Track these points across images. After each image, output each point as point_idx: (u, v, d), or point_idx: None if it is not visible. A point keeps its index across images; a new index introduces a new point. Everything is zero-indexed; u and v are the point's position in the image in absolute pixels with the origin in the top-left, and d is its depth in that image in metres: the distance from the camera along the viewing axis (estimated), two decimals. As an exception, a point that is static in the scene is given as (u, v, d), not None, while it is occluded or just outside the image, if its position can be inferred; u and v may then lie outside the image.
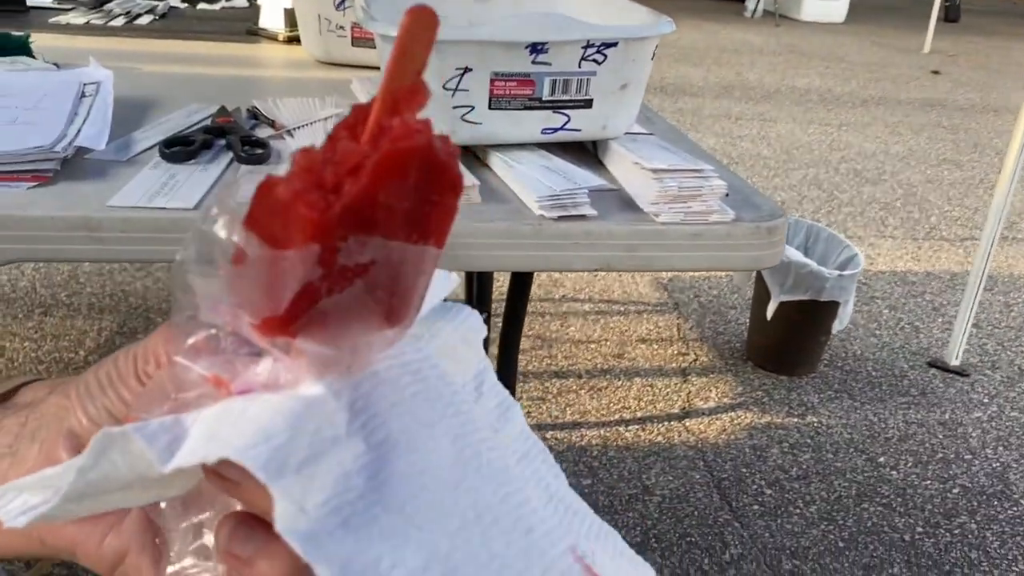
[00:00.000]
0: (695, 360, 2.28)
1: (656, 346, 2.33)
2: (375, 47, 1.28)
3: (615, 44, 0.83)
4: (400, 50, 0.28)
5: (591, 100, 0.86)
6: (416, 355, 0.32)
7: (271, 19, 1.49)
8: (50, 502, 0.29)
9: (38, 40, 1.17)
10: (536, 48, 0.81)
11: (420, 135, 0.28)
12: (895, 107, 5.34)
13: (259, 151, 0.85)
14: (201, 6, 1.78)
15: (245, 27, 1.53)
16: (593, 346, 2.29)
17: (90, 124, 0.84)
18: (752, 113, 4.97)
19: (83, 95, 0.94)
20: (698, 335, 2.41)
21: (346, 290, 0.28)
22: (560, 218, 0.76)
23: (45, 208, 0.70)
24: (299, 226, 0.26)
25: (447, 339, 0.35)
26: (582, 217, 0.77)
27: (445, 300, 0.36)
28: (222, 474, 0.27)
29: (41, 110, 0.87)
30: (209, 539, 0.34)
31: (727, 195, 0.81)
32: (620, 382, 2.14)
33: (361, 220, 0.27)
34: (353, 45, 1.29)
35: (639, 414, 2.03)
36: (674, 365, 2.25)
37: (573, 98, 0.85)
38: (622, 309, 2.51)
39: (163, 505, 0.33)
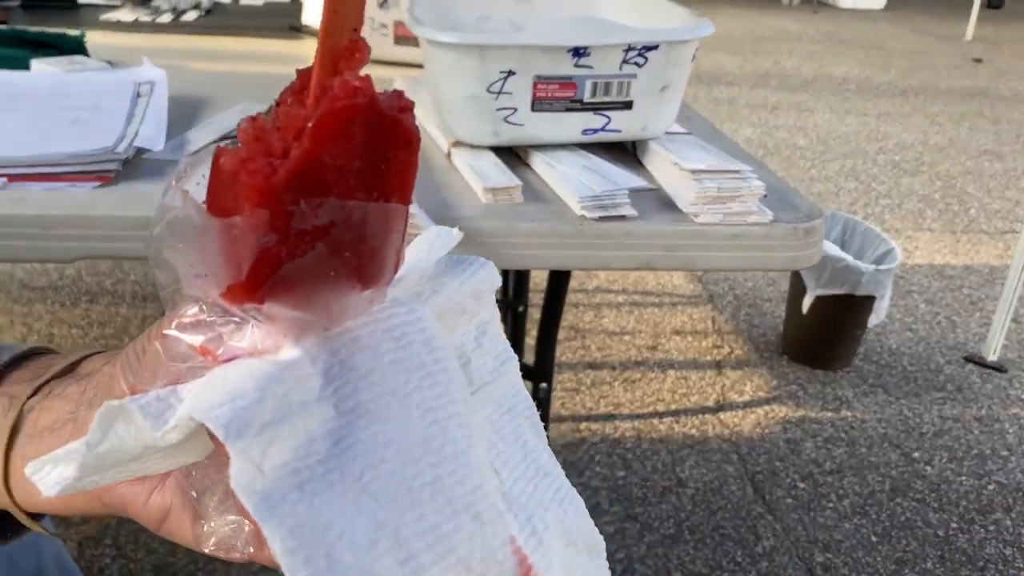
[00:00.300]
0: (730, 353, 2.29)
1: (690, 338, 2.34)
2: (418, 46, 1.30)
3: (656, 47, 0.85)
4: (331, 7, 0.28)
5: (631, 102, 0.88)
6: (406, 317, 0.32)
7: (315, 16, 1.52)
8: (71, 473, 0.31)
9: (90, 38, 1.21)
10: (578, 52, 0.83)
11: (361, 93, 0.28)
12: (935, 97, 5.26)
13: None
14: (244, 1, 1.81)
15: (288, 23, 1.56)
16: (627, 338, 2.31)
17: (147, 125, 0.87)
18: (789, 103, 4.93)
19: (138, 95, 0.97)
20: (733, 328, 2.42)
21: (308, 253, 0.28)
22: (601, 218, 0.78)
23: (109, 208, 0.73)
24: (245, 194, 0.27)
25: (451, 295, 0.35)
26: (622, 217, 0.79)
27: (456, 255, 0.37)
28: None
29: (100, 110, 0.91)
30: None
31: (765, 196, 0.82)
32: (654, 374, 2.15)
33: (310, 183, 0.27)
34: (396, 44, 1.31)
35: (673, 406, 2.04)
36: (708, 358, 2.26)
37: (614, 100, 0.87)
38: (656, 301, 2.52)
39: (194, 470, 0.36)
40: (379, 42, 1.31)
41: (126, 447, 0.30)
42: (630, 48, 0.84)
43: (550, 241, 0.78)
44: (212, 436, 0.29)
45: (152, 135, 0.85)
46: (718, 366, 2.23)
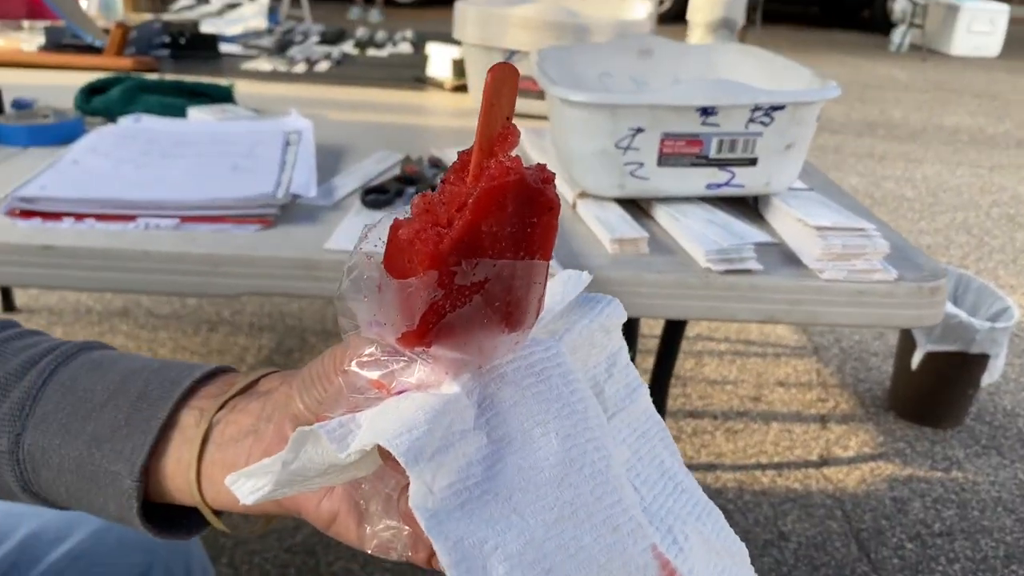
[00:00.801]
0: (835, 407, 2.25)
1: (794, 390, 2.31)
2: (538, 98, 1.36)
3: (782, 107, 0.87)
4: (488, 103, 0.33)
5: (756, 159, 0.90)
6: (544, 354, 0.37)
7: (439, 68, 1.60)
8: (268, 486, 0.36)
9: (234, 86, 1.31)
10: (706, 111, 0.86)
11: (512, 172, 0.33)
12: (1054, 149, 5.07)
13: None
14: (371, 52, 1.91)
15: (412, 75, 1.64)
16: (729, 387, 2.29)
17: (299, 172, 0.94)
18: (897, 152, 4.83)
19: (288, 143, 1.05)
20: (838, 381, 2.38)
21: (467, 304, 0.34)
22: (727, 271, 0.81)
23: (269, 248, 0.80)
24: (419, 258, 0.33)
25: (582, 331, 0.40)
26: (748, 271, 0.81)
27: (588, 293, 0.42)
28: (388, 454, 0.33)
29: (255, 157, 0.99)
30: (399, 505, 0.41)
31: (889, 254, 0.83)
32: (757, 425, 2.13)
33: (470, 247, 0.33)
34: (519, 96, 1.37)
35: (776, 459, 2.02)
36: (813, 411, 2.22)
37: (739, 156, 0.90)
38: (759, 351, 2.50)
39: (362, 482, 0.41)
40: (502, 94, 1.38)
41: (314, 465, 0.35)
42: (757, 108, 0.87)
43: (676, 292, 0.81)
44: (383, 455, 0.34)
45: (304, 182, 0.91)
46: (823, 420, 2.19)
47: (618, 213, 0.91)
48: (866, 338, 2.63)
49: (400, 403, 0.34)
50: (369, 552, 0.41)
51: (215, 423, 0.44)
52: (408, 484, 0.33)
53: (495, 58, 1.34)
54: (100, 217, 0.83)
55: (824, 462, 2.03)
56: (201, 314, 2.59)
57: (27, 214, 0.84)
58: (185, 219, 0.84)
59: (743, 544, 0.41)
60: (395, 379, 0.36)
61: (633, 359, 1.35)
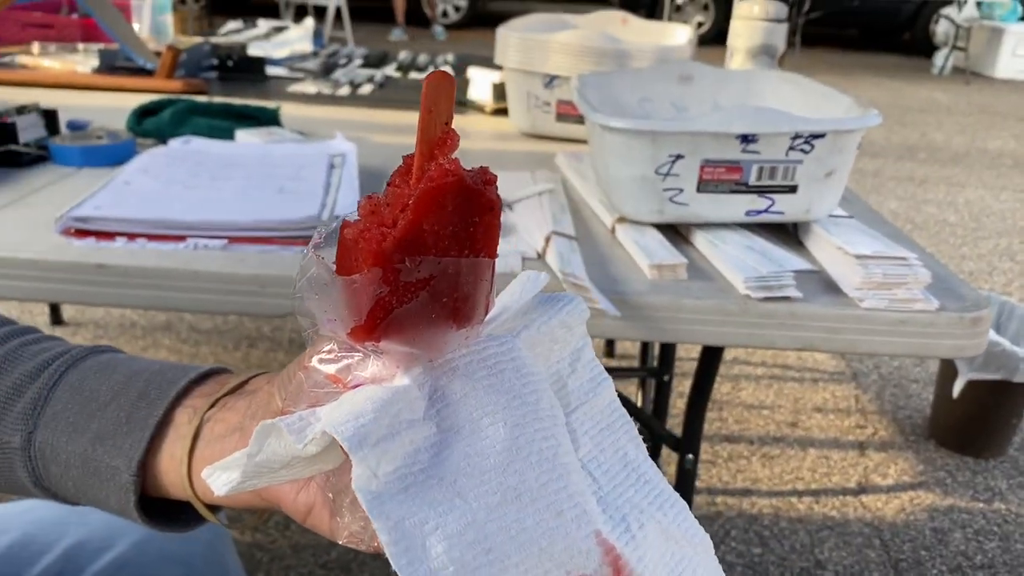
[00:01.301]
0: (873, 434, 2.22)
1: (832, 416, 2.28)
2: (577, 122, 1.37)
3: (823, 135, 0.88)
4: (427, 109, 0.35)
5: (796, 186, 0.91)
6: (498, 348, 0.38)
7: (479, 92, 1.62)
8: (237, 478, 0.38)
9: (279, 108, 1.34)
10: (747, 138, 0.87)
11: (451, 173, 0.35)
12: (1101, 174, 4.98)
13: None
14: (412, 75, 1.94)
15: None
16: (766, 412, 2.27)
17: (343, 194, 0.96)
18: (938, 176, 4.77)
19: (332, 166, 1.07)
20: (877, 408, 2.35)
21: (413, 300, 0.35)
22: (766, 298, 0.81)
23: (314, 271, 0.81)
24: (363, 256, 0.34)
25: (541, 327, 0.41)
26: (787, 298, 0.81)
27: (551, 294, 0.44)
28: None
29: (301, 180, 1.01)
30: None
31: (930, 283, 0.83)
32: (793, 451, 2.11)
33: (413, 245, 0.34)
34: (557, 120, 1.39)
35: (813, 486, 1.99)
36: (851, 437, 2.20)
37: (779, 184, 0.90)
38: (797, 376, 2.48)
39: (331, 475, 0.43)
40: (542, 119, 1.39)
41: (277, 457, 0.37)
42: (797, 136, 0.87)
43: (714, 318, 0.81)
44: (342, 448, 0.36)
45: (349, 204, 0.93)
46: (861, 447, 2.17)
47: (657, 238, 0.92)
48: (906, 365, 2.60)
49: (354, 396, 0.36)
50: (341, 543, 0.43)
51: (206, 421, 0.47)
52: None
53: (536, 82, 1.36)
54: (151, 237, 0.86)
55: (862, 490, 2.00)
56: (242, 330, 2.63)
57: (82, 233, 0.87)
58: (233, 240, 0.86)
59: (707, 535, 0.42)
60: (351, 373, 0.38)
61: (669, 382, 1.35)
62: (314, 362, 0.39)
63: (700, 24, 9.14)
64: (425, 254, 0.35)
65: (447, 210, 0.35)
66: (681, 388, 2.27)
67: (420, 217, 0.34)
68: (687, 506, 0.42)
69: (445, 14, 9.58)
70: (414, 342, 0.36)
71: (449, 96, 0.36)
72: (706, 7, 9.27)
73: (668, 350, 1.69)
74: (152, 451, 0.47)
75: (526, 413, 0.37)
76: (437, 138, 0.36)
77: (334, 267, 0.36)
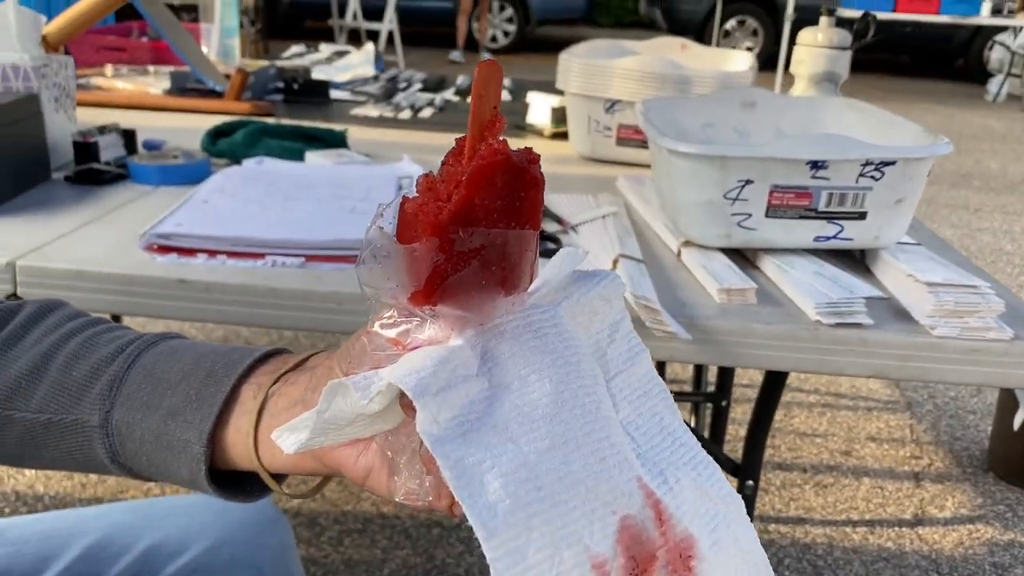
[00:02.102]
0: (929, 465, 2.18)
1: (887, 446, 2.25)
2: (638, 147, 1.38)
3: (893, 163, 0.88)
4: (478, 95, 0.39)
5: (865, 212, 0.91)
6: (541, 316, 0.42)
7: (538, 116, 1.64)
8: (306, 434, 0.42)
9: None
10: (816, 164, 0.87)
11: (500, 152, 0.38)
12: None
13: (551, 246, 0.96)
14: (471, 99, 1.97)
15: (513, 122, 1.69)
16: (819, 440, 2.25)
17: (413, 216, 0.98)
18: (993, 204, 4.69)
19: (400, 187, 1.10)
20: (933, 438, 2.31)
21: (466, 268, 0.39)
22: (837, 324, 0.81)
23: (389, 289, 0.83)
24: (422, 228, 0.38)
25: (580, 298, 0.44)
26: (858, 325, 0.81)
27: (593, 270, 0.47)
28: (409, 406, 0.39)
29: (371, 201, 1.03)
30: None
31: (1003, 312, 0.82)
32: (847, 480, 2.08)
33: (466, 218, 0.38)
34: (617, 144, 1.40)
35: (868, 516, 1.96)
36: (906, 468, 2.16)
37: (848, 210, 0.90)
38: (850, 404, 2.45)
39: (390, 434, 0.46)
40: (603, 143, 1.41)
41: (343, 414, 0.41)
42: (868, 163, 0.88)
43: (785, 344, 0.81)
44: (403, 406, 0.40)
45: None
46: (916, 478, 2.13)
47: (724, 263, 0.92)
48: (962, 395, 2.55)
49: (414, 355, 0.40)
50: (398, 500, 0.46)
51: (270, 395, 0.50)
52: None
53: (597, 107, 1.37)
54: (231, 254, 0.89)
55: (919, 522, 1.96)
56: (296, 346, 2.67)
57: (164, 249, 0.90)
58: (310, 258, 0.88)
59: (739, 497, 0.44)
60: (409, 336, 0.41)
61: (727, 407, 1.34)
62: (376, 327, 0.42)
63: (749, 49, 9.12)
64: (477, 226, 0.38)
65: (496, 186, 0.38)
66: (735, 414, 2.25)
67: (472, 192, 0.38)
68: (719, 469, 0.44)
69: (494, 39, 9.69)
70: (467, 306, 0.40)
71: (497, 83, 0.39)
72: (755, 33, 9.25)
73: (726, 375, 1.69)
74: (220, 424, 0.51)
75: (569, 371, 0.40)
76: (487, 121, 0.39)
77: (396, 238, 0.40)
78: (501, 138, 0.39)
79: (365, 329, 0.44)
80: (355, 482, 0.48)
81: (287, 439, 0.43)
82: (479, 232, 0.38)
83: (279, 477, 0.53)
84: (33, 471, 1.89)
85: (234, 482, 0.54)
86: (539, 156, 0.40)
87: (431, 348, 0.40)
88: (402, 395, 0.40)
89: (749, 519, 0.44)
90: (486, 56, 8.77)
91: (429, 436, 0.37)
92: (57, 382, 0.54)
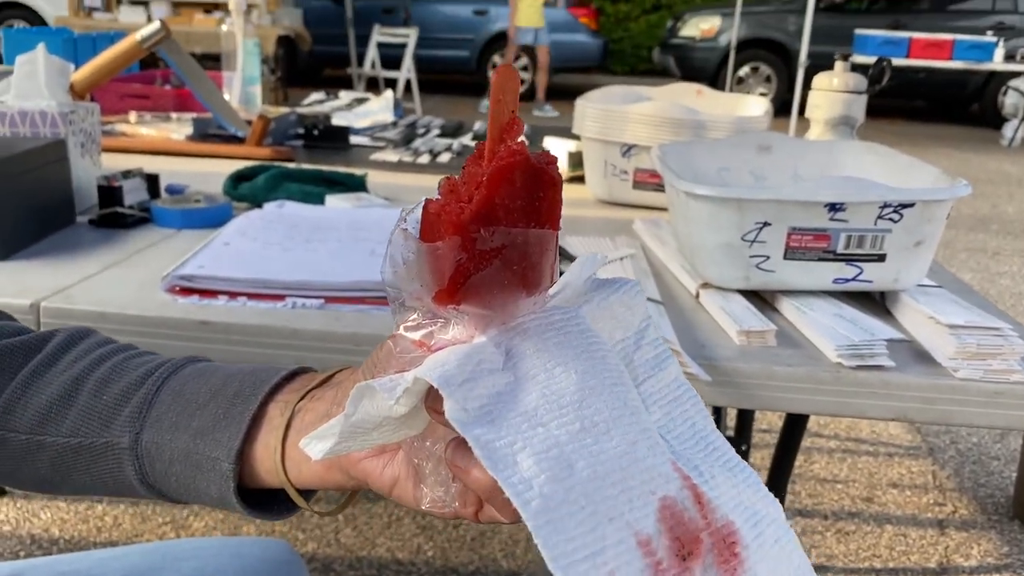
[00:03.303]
0: (953, 512, 2.14)
1: (909, 492, 2.21)
2: (654, 190, 1.39)
3: (912, 205, 0.88)
4: (496, 99, 0.40)
5: (884, 255, 0.90)
6: (563, 316, 0.42)
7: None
8: (333, 439, 0.43)
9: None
10: (835, 207, 0.88)
11: (518, 153, 0.39)
12: None
13: (570, 287, 0.96)
14: (487, 144, 1.99)
15: (530, 165, 1.70)
16: (839, 486, 2.21)
17: (432, 258, 0.99)
18: (1012, 248, 4.66)
19: (419, 230, 1.10)
20: (956, 485, 2.27)
21: (488, 267, 0.39)
22: (858, 367, 0.81)
23: (408, 331, 0.83)
24: (444, 228, 0.39)
25: (600, 303, 0.45)
26: (879, 367, 0.81)
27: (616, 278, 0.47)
28: (433, 408, 0.40)
29: (390, 243, 1.04)
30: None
31: (1027, 354, 0.82)
32: (869, 527, 2.05)
33: (487, 217, 0.39)
34: (634, 188, 1.41)
35: (891, 564, 1.93)
36: (929, 515, 2.12)
37: (867, 252, 0.90)
38: (871, 450, 2.42)
39: (415, 440, 0.46)
40: (619, 186, 1.42)
41: (370, 417, 0.41)
42: (886, 205, 0.88)
43: (806, 386, 0.81)
44: (428, 410, 0.41)
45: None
46: (940, 525, 2.09)
47: (743, 304, 0.92)
48: (985, 441, 2.51)
49: (438, 355, 0.41)
50: (424, 508, 0.46)
51: (296, 412, 0.51)
52: (454, 438, 0.41)
53: (613, 151, 1.38)
54: (252, 296, 0.89)
55: (944, 570, 1.92)
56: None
57: (186, 291, 0.90)
58: (330, 300, 0.89)
59: (776, 501, 0.43)
60: (434, 337, 0.42)
61: (747, 451, 1.33)
62: (401, 330, 0.43)
63: (763, 95, 9.19)
64: (498, 225, 0.39)
65: (516, 186, 0.39)
66: (754, 460, 2.23)
67: (493, 192, 0.39)
68: (756, 473, 0.44)
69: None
70: (489, 305, 0.40)
71: (514, 88, 0.41)
72: (768, 79, 9.32)
73: (746, 418, 1.67)
74: (248, 442, 0.51)
75: (594, 364, 0.41)
76: (505, 124, 0.40)
77: (419, 239, 0.40)
78: (519, 140, 0.40)
79: (383, 344, 0.45)
80: (381, 493, 0.48)
81: (315, 447, 0.44)
82: (500, 231, 0.39)
83: (307, 495, 0.53)
84: (49, 514, 1.89)
85: (262, 501, 0.54)
86: (556, 158, 0.41)
87: (455, 347, 0.41)
88: (427, 398, 0.40)
89: (788, 525, 0.43)
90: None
91: (458, 422, 0.38)
92: (87, 406, 0.55)
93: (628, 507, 0.37)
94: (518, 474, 0.37)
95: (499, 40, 9.74)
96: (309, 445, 0.44)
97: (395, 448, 0.48)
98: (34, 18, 9.23)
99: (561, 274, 0.44)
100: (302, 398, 0.51)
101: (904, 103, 10.68)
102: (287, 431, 0.51)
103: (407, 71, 7.57)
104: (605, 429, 0.39)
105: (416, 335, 0.42)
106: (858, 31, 7.79)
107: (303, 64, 9.50)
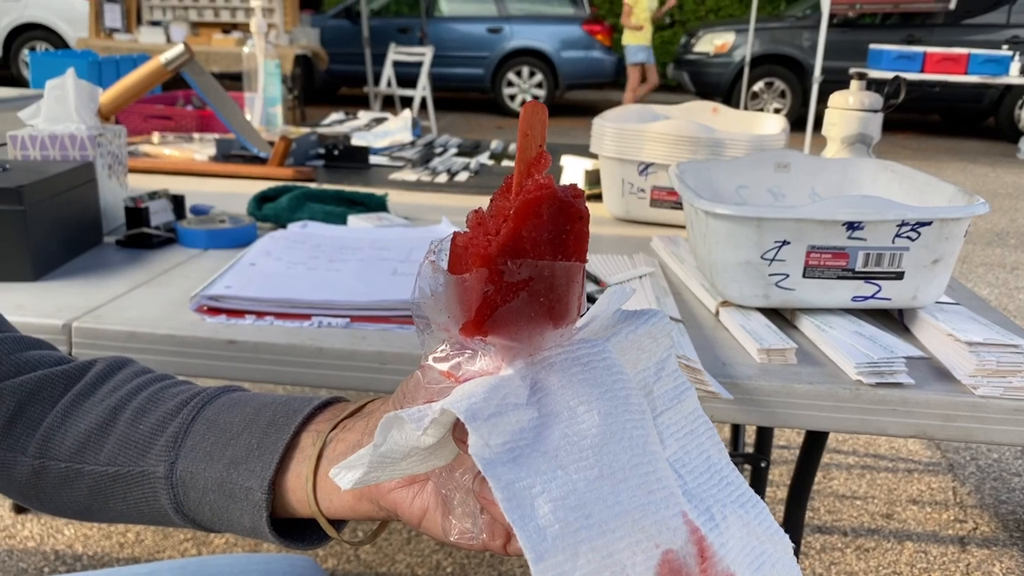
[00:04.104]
0: (974, 529, 2.13)
1: (929, 509, 2.20)
2: (672, 207, 1.40)
3: (929, 223, 0.89)
4: (523, 134, 0.41)
5: (903, 272, 0.91)
6: (590, 350, 0.42)
7: (572, 178, 1.67)
8: (362, 469, 0.43)
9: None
10: (853, 225, 0.89)
11: (545, 187, 0.40)
12: None
13: (588, 305, 0.97)
14: (505, 163, 2.01)
15: (548, 184, 1.72)
16: (859, 502, 2.21)
17: (454, 277, 1.01)
18: (1030, 263, 4.64)
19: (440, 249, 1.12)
20: (977, 501, 2.26)
21: (515, 299, 0.40)
22: (877, 384, 0.81)
23: (432, 349, 0.85)
24: (472, 260, 0.40)
25: (628, 335, 0.45)
26: (899, 385, 0.81)
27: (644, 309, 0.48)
28: (461, 439, 0.40)
29: (412, 262, 1.06)
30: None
31: (1047, 371, 0.82)
32: (890, 544, 2.04)
33: (514, 250, 0.39)
34: (651, 206, 1.42)
35: (912, 581, 1.92)
36: (950, 532, 2.11)
37: (885, 270, 0.91)
38: (890, 466, 2.41)
39: (443, 471, 0.47)
40: (637, 204, 1.43)
41: (398, 447, 0.42)
42: (904, 223, 0.89)
43: (826, 403, 0.81)
44: (456, 440, 0.41)
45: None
46: (961, 542, 2.08)
47: (763, 322, 0.93)
48: (1005, 457, 2.50)
49: (465, 385, 0.41)
50: (452, 540, 0.47)
51: (328, 441, 0.52)
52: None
53: (631, 170, 1.40)
54: (279, 315, 0.91)
55: (965, 588, 1.91)
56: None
57: (213, 311, 0.92)
58: (354, 319, 0.90)
59: (786, 536, 0.43)
60: (461, 368, 0.43)
61: (766, 468, 1.33)
62: (429, 361, 0.44)
63: (777, 110, 9.19)
64: (525, 257, 0.40)
65: (543, 219, 0.40)
66: (773, 476, 2.22)
67: (520, 225, 0.40)
68: (767, 508, 0.44)
69: (524, 103, 9.87)
70: (516, 337, 0.41)
71: (542, 122, 0.41)
72: (783, 94, 9.33)
73: (766, 435, 1.67)
74: (281, 471, 0.52)
75: (617, 404, 0.41)
76: (532, 158, 0.41)
77: (447, 271, 0.41)
78: (546, 174, 0.41)
79: (410, 377, 0.46)
80: (410, 524, 0.49)
81: (344, 476, 0.44)
82: (527, 263, 0.40)
83: (339, 524, 0.54)
84: (72, 530, 1.91)
85: (294, 531, 0.55)
86: (583, 192, 0.42)
87: (482, 378, 0.41)
88: (455, 430, 0.41)
89: (795, 560, 0.44)
90: None
91: (481, 459, 0.38)
92: (125, 435, 0.56)
93: (631, 560, 0.38)
94: (534, 522, 0.37)
95: (513, 58, 9.80)
96: (339, 475, 0.45)
97: (424, 479, 0.49)
98: (56, 39, 9.37)
99: (591, 302, 0.45)
100: (334, 428, 0.52)
101: (919, 117, 10.65)
102: (319, 461, 0.51)
103: (422, 89, 7.63)
104: (623, 476, 0.39)
105: (444, 366, 0.43)
106: (872, 46, 7.79)
107: (320, 83, 9.58)
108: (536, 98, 9.86)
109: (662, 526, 0.39)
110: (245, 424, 0.55)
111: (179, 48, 1.49)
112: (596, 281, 1.07)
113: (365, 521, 0.53)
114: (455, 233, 0.42)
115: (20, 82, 8.59)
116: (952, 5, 8.22)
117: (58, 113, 1.24)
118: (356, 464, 0.44)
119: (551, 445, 0.39)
